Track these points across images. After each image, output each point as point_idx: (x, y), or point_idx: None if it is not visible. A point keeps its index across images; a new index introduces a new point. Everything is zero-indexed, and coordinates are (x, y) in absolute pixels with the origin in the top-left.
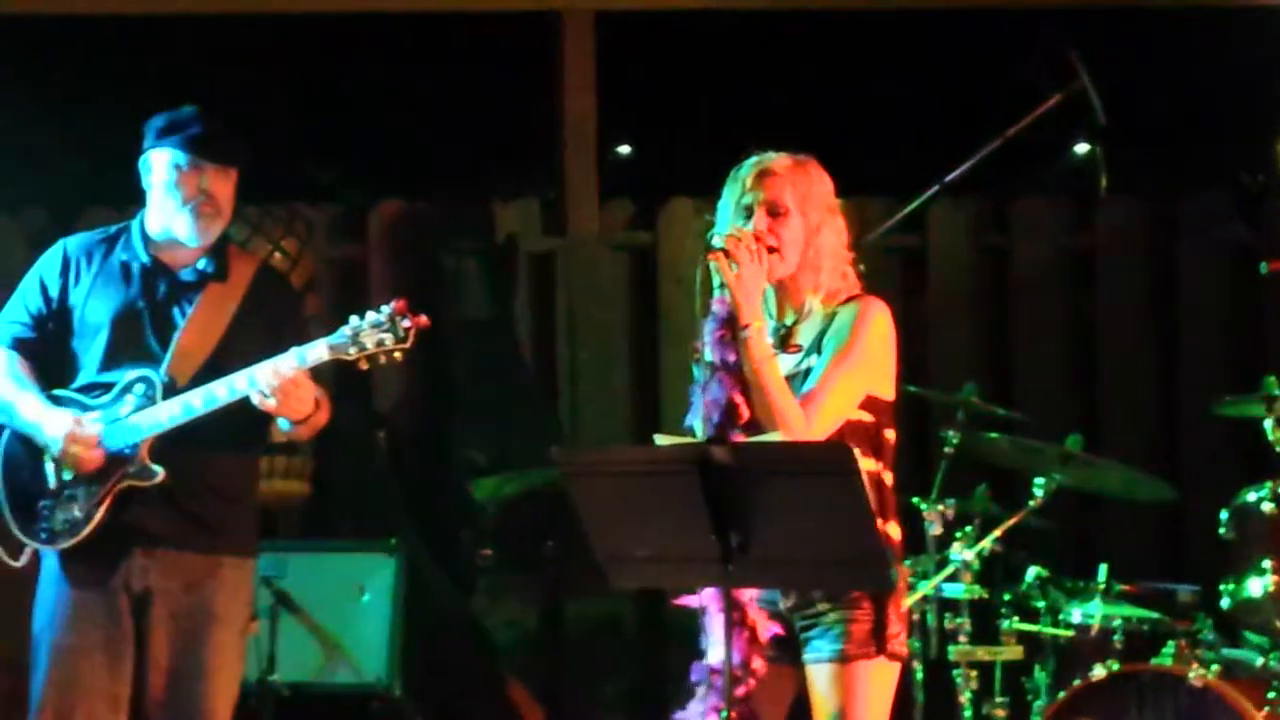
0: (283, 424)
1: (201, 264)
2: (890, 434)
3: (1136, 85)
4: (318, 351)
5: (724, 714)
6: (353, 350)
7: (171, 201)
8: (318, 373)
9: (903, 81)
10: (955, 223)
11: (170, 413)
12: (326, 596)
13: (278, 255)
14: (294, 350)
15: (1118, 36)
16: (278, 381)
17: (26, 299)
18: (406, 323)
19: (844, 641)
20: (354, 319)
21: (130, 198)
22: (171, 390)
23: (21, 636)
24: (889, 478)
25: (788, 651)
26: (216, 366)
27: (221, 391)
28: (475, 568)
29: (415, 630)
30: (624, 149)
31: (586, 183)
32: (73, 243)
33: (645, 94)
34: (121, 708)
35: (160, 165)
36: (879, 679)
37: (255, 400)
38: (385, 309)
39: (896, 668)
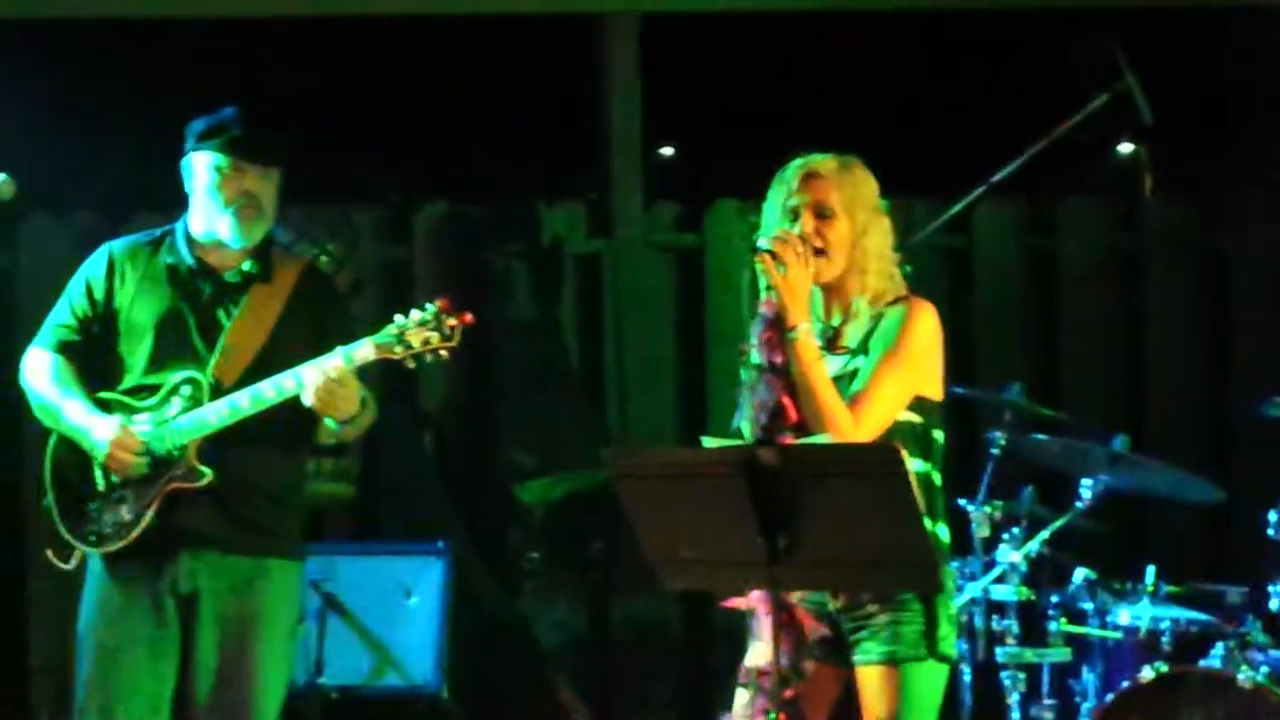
0: (330, 424)
1: (246, 265)
2: (939, 434)
3: (1181, 83)
4: (364, 350)
5: (771, 715)
6: (399, 349)
7: (214, 204)
8: (364, 373)
9: (947, 82)
10: (1001, 223)
11: (218, 414)
12: (374, 599)
13: (324, 257)
14: (340, 349)
15: (1162, 35)
16: (323, 381)
17: (72, 302)
18: (452, 320)
19: (894, 643)
20: (399, 317)
21: (178, 201)
22: (218, 391)
23: (69, 638)
24: (938, 478)
25: (836, 652)
26: (262, 367)
27: (269, 392)
28: (522, 570)
29: (462, 632)
30: (667, 150)
31: (632, 185)
32: (118, 246)
33: (690, 96)
34: (163, 708)
35: (202, 168)
36: (929, 681)
37: (304, 400)
38: (430, 307)
39: (946, 670)
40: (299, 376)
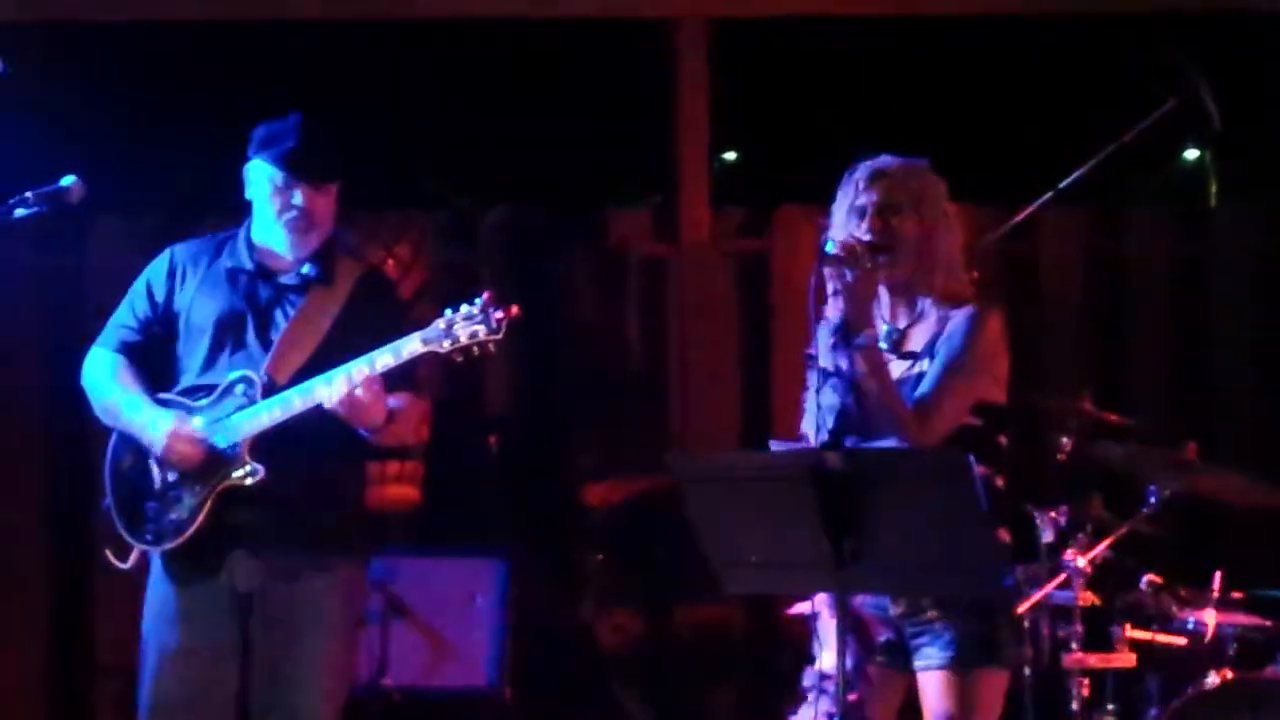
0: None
1: (306, 268)
2: (1003, 439)
3: (1248, 90)
4: (411, 345)
5: None
6: (446, 343)
7: (268, 214)
8: (416, 380)
9: (1014, 88)
10: (1066, 230)
11: (271, 412)
12: (438, 601)
13: (390, 261)
14: (373, 353)
15: (1229, 40)
16: (345, 389)
17: (134, 304)
18: (499, 314)
19: (955, 649)
20: (448, 312)
21: (245, 205)
22: (271, 389)
23: (132, 640)
24: (1000, 482)
25: (898, 657)
26: (317, 368)
27: (322, 391)
28: (585, 573)
29: (524, 635)
30: (731, 155)
31: (699, 189)
32: (180, 248)
33: (757, 100)
34: (228, 707)
35: (258, 177)
36: (990, 687)
37: (326, 405)
38: (477, 301)
39: (1007, 676)
40: (330, 380)
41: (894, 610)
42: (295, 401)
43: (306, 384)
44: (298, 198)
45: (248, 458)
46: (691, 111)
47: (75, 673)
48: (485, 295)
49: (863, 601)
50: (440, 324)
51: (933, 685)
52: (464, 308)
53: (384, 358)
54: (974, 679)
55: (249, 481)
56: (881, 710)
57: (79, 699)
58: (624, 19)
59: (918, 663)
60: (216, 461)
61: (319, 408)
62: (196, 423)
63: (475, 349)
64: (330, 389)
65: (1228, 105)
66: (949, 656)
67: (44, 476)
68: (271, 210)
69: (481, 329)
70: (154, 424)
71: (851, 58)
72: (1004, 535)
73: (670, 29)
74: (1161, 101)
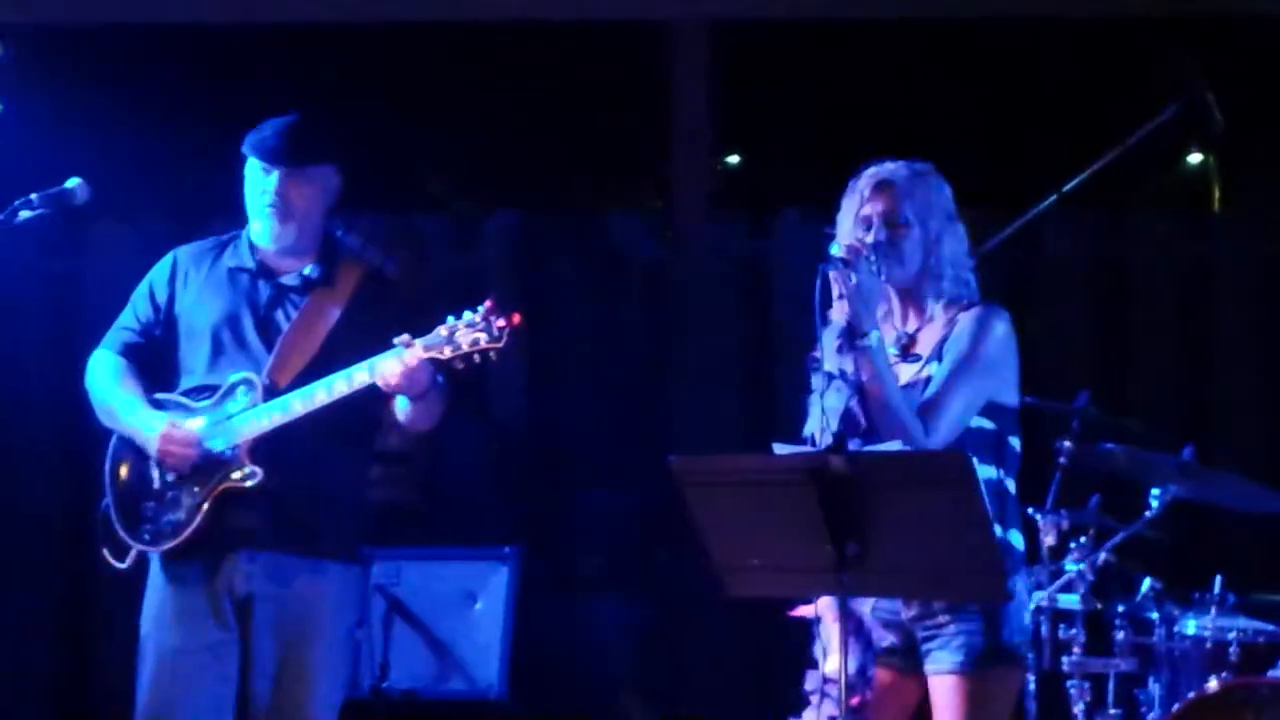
0: (402, 403)
1: (308, 270)
2: (1015, 441)
3: (1251, 94)
4: (414, 352)
5: None
6: (447, 350)
7: (250, 206)
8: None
9: (1018, 92)
10: (1070, 233)
11: (272, 415)
12: (440, 604)
13: (392, 264)
14: (370, 360)
15: (1233, 45)
16: (401, 369)
17: (137, 306)
18: (501, 321)
19: (965, 653)
20: (450, 319)
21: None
22: (273, 392)
23: (129, 640)
24: (1011, 485)
25: (910, 661)
26: (318, 370)
27: (322, 394)
28: (587, 576)
29: (527, 638)
30: (733, 159)
31: (699, 193)
32: (183, 251)
33: (758, 104)
34: (225, 708)
35: (248, 172)
36: (999, 690)
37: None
38: (479, 309)
39: (1017, 680)
40: (350, 377)
41: (905, 613)
42: (296, 405)
43: (307, 388)
44: (271, 182)
45: (247, 460)
46: (690, 115)
47: (74, 673)
48: (488, 303)
49: (875, 604)
50: (442, 330)
51: (942, 689)
52: (466, 314)
53: (388, 363)
54: (984, 682)
55: (248, 484)
56: (891, 714)
57: (78, 699)
58: (624, 22)
59: (929, 666)
60: (215, 463)
61: (320, 409)
62: (196, 424)
63: (477, 356)
64: (330, 392)
65: (1231, 109)
66: (958, 660)
67: (48, 479)
68: (251, 203)
69: (483, 336)
70: (148, 426)
71: (853, 61)
72: (1016, 539)
73: (670, 32)
74: (1165, 105)
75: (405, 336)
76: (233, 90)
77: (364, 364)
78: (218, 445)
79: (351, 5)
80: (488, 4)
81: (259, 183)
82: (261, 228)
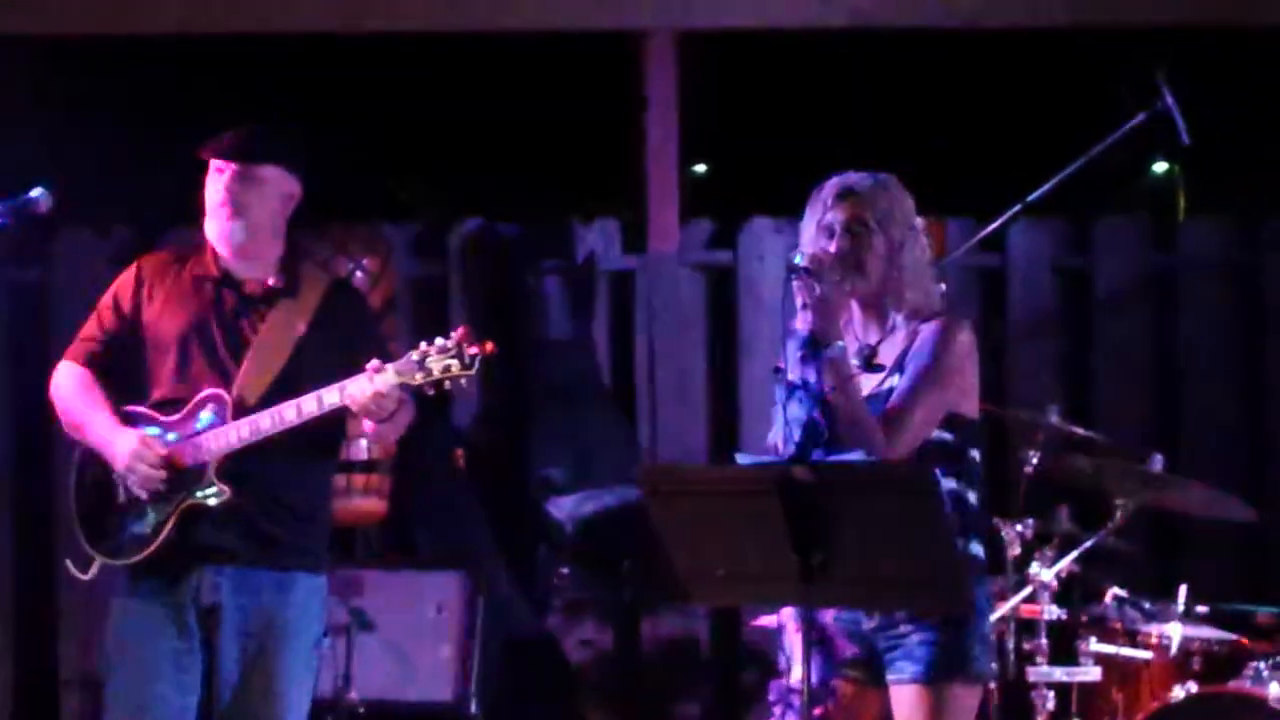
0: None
1: (271, 280)
2: (974, 452)
3: (1216, 104)
4: (385, 378)
5: None
6: (419, 376)
7: (208, 208)
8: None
9: (983, 101)
10: (1035, 243)
11: (239, 433)
12: (403, 614)
13: (359, 273)
14: (339, 384)
15: (1199, 56)
16: (370, 394)
17: (102, 317)
18: (473, 348)
19: (926, 663)
20: (422, 345)
21: None
22: (242, 409)
23: (94, 654)
24: (973, 496)
25: (872, 673)
26: (287, 384)
27: (291, 414)
28: (552, 587)
29: (491, 649)
30: (700, 168)
31: (667, 201)
32: (147, 261)
33: (726, 113)
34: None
35: (207, 179)
36: (961, 700)
37: (354, 407)
38: (451, 335)
39: (979, 689)
40: (321, 398)
41: (867, 624)
42: (265, 424)
43: (278, 409)
44: (224, 180)
45: (214, 477)
46: (659, 124)
47: (41, 686)
48: (460, 329)
49: (836, 615)
50: (414, 356)
51: (905, 699)
52: (438, 340)
53: (358, 386)
54: (946, 692)
55: (212, 502)
56: None
57: (44, 710)
58: (593, 32)
59: (890, 676)
60: (182, 480)
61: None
62: (164, 440)
63: (447, 383)
64: (299, 413)
65: (1196, 118)
66: (921, 670)
67: (10, 489)
68: (209, 201)
69: (455, 363)
70: (117, 442)
71: (820, 72)
72: (977, 549)
73: (639, 42)
74: (1131, 114)
75: (376, 362)
76: (197, 99)
77: (334, 387)
78: (185, 462)
79: (320, 15)
80: (457, 14)
81: (213, 182)
82: (214, 228)
